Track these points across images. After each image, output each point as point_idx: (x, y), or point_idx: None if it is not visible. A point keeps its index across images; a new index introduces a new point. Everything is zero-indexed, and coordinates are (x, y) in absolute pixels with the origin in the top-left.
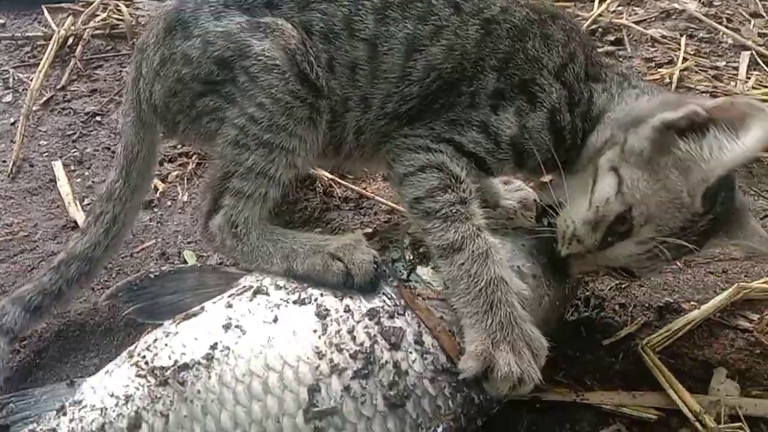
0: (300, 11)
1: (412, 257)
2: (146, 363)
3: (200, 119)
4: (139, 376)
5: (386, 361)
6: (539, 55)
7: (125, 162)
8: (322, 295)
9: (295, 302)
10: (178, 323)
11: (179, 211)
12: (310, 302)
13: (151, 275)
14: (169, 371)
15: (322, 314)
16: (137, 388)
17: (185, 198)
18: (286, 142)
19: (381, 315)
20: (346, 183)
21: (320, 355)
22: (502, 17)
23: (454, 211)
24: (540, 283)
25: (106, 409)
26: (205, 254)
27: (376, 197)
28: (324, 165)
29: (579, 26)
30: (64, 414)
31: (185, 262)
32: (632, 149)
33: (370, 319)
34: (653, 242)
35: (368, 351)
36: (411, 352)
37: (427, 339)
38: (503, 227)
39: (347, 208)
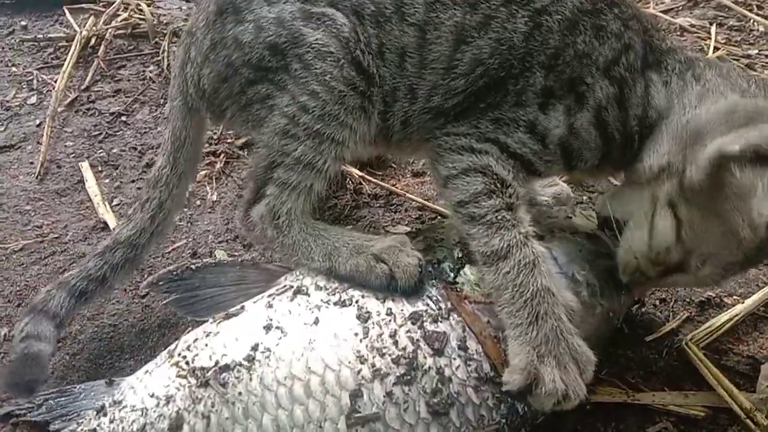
0: None
1: (460, 255)
2: (187, 363)
3: (250, 106)
4: (179, 376)
5: (429, 367)
6: (589, 50)
7: (172, 147)
8: (363, 297)
9: (335, 304)
10: (219, 323)
11: (209, 210)
12: (351, 304)
13: (192, 266)
14: (210, 372)
15: (364, 317)
16: (178, 389)
17: (214, 197)
18: (337, 133)
19: (424, 319)
20: (375, 180)
21: (362, 359)
22: (552, 8)
23: (499, 217)
24: (594, 292)
25: (147, 409)
26: (236, 254)
27: (407, 194)
28: (372, 153)
29: (639, 11)
30: (105, 414)
31: None
32: (690, 184)
33: (413, 323)
34: (714, 274)
35: (411, 356)
36: (455, 359)
37: (472, 344)
38: (560, 229)
39: (377, 205)
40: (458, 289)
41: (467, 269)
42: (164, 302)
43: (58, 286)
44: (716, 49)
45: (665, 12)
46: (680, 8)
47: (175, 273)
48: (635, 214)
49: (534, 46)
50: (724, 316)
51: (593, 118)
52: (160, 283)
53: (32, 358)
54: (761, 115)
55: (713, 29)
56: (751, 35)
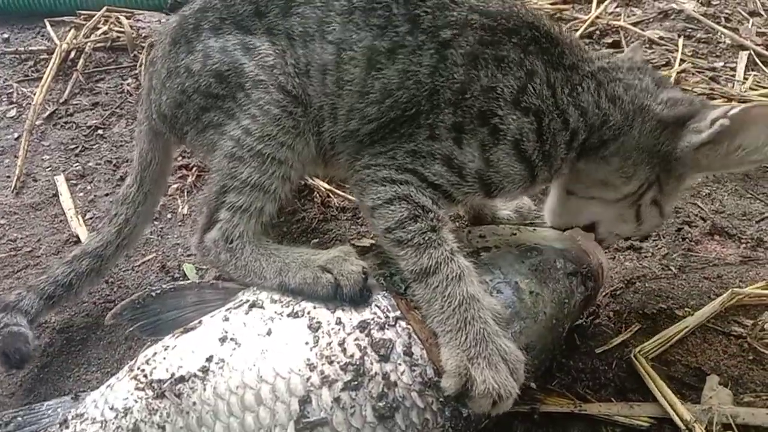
0: (284, 18)
1: None
2: (145, 376)
3: (204, 131)
4: (138, 389)
5: (376, 373)
6: (494, 83)
7: (139, 168)
8: (315, 308)
9: (288, 315)
10: (177, 337)
11: (179, 224)
12: (303, 315)
13: (153, 294)
14: (166, 384)
15: (314, 327)
16: (136, 401)
17: (185, 211)
18: (278, 153)
19: (371, 327)
20: (343, 193)
21: (311, 367)
22: (455, 42)
23: (426, 238)
24: (536, 300)
25: (107, 421)
26: (204, 267)
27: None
28: (319, 173)
29: (540, 30)
30: (67, 427)
31: (185, 275)
32: (666, 183)
33: (360, 331)
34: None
35: (358, 363)
36: (400, 364)
37: (417, 350)
38: (506, 244)
39: (344, 218)
40: (408, 299)
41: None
42: (129, 330)
43: (28, 288)
44: (682, 61)
45: (635, 24)
46: (651, 20)
47: (136, 302)
48: (605, 220)
49: (440, 82)
50: (674, 328)
51: (512, 150)
52: (124, 312)
53: (17, 335)
54: (689, 110)
55: (681, 41)
56: (717, 48)
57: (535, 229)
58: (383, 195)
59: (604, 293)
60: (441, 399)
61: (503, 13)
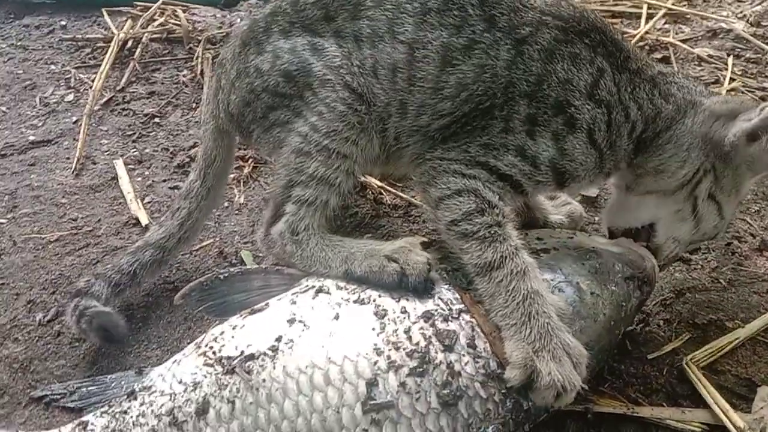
0: (352, 21)
1: None
2: (214, 353)
3: (271, 129)
4: (207, 365)
5: (440, 362)
6: (570, 76)
7: (204, 164)
8: (380, 296)
9: (355, 301)
10: (245, 317)
11: (236, 212)
12: (369, 302)
13: (221, 276)
14: (236, 360)
15: (380, 314)
16: (205, 376)
17: (241, 200)
18: (343, 147)
19: (436, 317)
20: (395, 191)
21: (378, 351)
22: (532, 39)
23: (492, 232)
24: (596, 301)
25: (175, 394)
26: (261, 254)
27: (425, 205)
28: (378, 171)
29: (606, 35)
30: (135, 398)
31: (242, 261)
32: (723, 175)
33: (425, 321)
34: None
35: (423, 351)
36: (464, 355)
37: (480, 343)
38: (564, 246)
39: (396, 215)
40: (472, 294)
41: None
42: (197, 310)
43: (96, 276)
44: (732, 80)
45: (684, 41)
46: (699, 38)
47: (205, 284)
48: (663, 217)
49: (517, 75)
50: (724, 339)
51: (586, 138)
52: (192, 293)
53: (107, 313)
54: (741, 106)
55: (730, 60)
56: (767, 68)
57: (591, 235)
58: (453, 186)
59: (654, 302)
60: (503, 391)
61: (574, 17)
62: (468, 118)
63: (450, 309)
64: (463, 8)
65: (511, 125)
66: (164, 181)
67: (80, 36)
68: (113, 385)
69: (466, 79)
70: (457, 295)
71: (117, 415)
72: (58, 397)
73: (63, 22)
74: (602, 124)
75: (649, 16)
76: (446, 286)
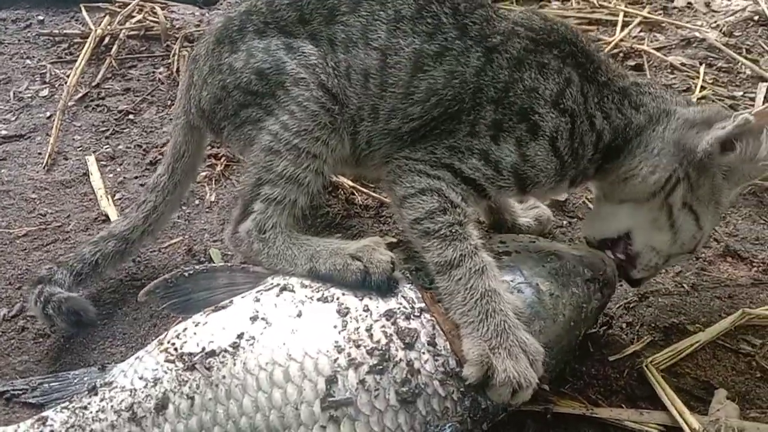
0: (326, 25)
1: None
2: (175, 349)
3: (242, 127)
4: (168, 361)
5: (400, 359)
6: (536, 84)
7: (172, 159)
8: (343, 294)
9: (318, 299)
10: (208, 314)
11: (206, 210)
12: (332, 300)
13: (186, 274)
14: (197, 357)
15: (343, 312)
16: (166, 372)
17: (212, 198)
18: (313, 147)
19: (397, 316)
20: (366, 191)
21: (339, 349)
22: (502, 48)
23: (453, 231)
24: (556, 302)
25: (136, 390)
26: (230, 253)
27: (391, 203)
28: (348, 172)
29: (577, 46)
30: (95, 394)
31: (211, 259)
32: (698, 184)
33: (387, 319)
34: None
35: (384, 349)
36: (424, 353)
37: (440, 342)
38: (526, 249)
39: (367, 215)
40: (432, 293)
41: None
42: (161, 307)
43: (58, 264)
44: (703, 88)
45: (658, 49)
46: (673, 46)
47: (169, 281)
48: (639, 226)
49: (485, 82)
50: (685, 342)
51: (548, 146)
52: (157, 290)
53: (74, 298)
54: (717, 115)
55: (702, 69)
56: (738, 77)
57: (552, 240)
58: (417, 185)
59: (618, 305)
60: (461, 389)
61: (545, 29)
62: (437, 121)
63: (412, 307)
64: (437, 16)
65: (476, 129)
66: (136, 178)
67: (57, 31)
68: (75, 381)
69: (436, 85)
70: (418, 294)
71: (77, 411)
72: (20, 392)
73: (40, 17)
74: (565, 132)
75: (625, 24)
76: (409, 285)
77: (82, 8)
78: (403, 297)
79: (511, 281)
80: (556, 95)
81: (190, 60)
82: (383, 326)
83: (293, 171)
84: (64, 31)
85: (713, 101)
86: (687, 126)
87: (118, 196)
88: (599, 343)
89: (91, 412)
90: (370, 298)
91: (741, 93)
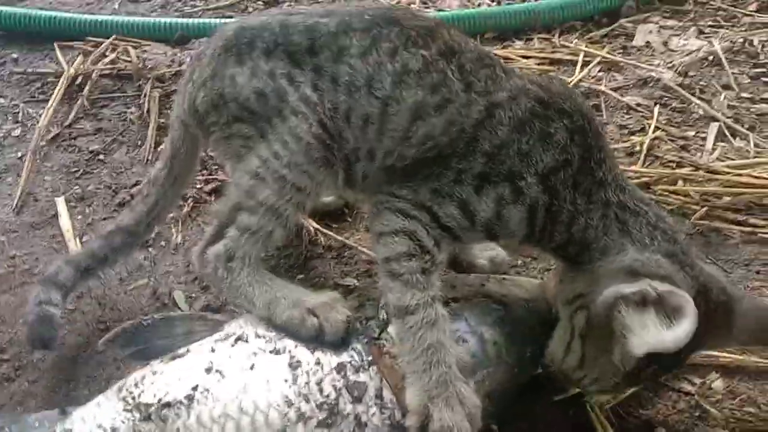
0: (333, 62)
1: (386, 316)
2: (133, 398)
3: (231, 139)
4: (125, 410)
5: (348, 413)
6: (531, 152)
7: (171, 153)
8: (296, 347)
9: (271, 351)
10: (165, 363)
11: (172, 252)
12: (284, 352)
13: (144, 323)
14: (153, 408)
15: (294, 365)
16: (123, 422)
17: (179, 239)
18: (300, 181)
19: (348, 369)
20: (330, 233)
21: (289, 403)
22: (507, 105)
23: (414, 279)
24: (500, 351)
25: None
26: (192, 296)
27: (359, 247)
28: (344, 197)
29: (591, 124)
30: None
31: (175, 302)
32: (594, 321)
33: (337, 373)
34: (599, 391)
35: (333, 402)
36: (371, 406)
37: (387, 394)
38: (475, 295)
39: (330, 256)
40: (380, 345)
41: (391, 328)
42: (121, 357)
43: (66, 262)
44: (657, 128)
45: (615, 89)
46: (630, 87)
47: (128, 329)
48: (560, 325)
49: (482, 134)
50: None
51: (526, 214)
52: (116, 339)
53: (46, 319)
54: (646, 270)
55: (656, 109)
56: (690, 117)
57: (504, 278)
58: (393, 225)
59: None
60: None
61: (562, 93)
62: (429, 161)
63: (362, 360)
64: (443, 72)
65: (462, 177)
66: (104, 219)
67: (31, 70)
68: (36, 425)
69: (434, 131)
70: (366, 347)
71: None
72: None
73: (14, 55)
74: (543, 209)
75: (585, 64)
76: (360, 337)
77: (56, 47)
78: (353, 349)
79: (456, 330)
80: (548, 171)
81: (194, 57)
82: (333, 380)
83: (275, 201)
84: (38, 70)
85: (666, 141)
86: (620, 274)
87: (85, 237)
88: (549, 382)
89: None
90: (322, 352)
91: (693, 133)
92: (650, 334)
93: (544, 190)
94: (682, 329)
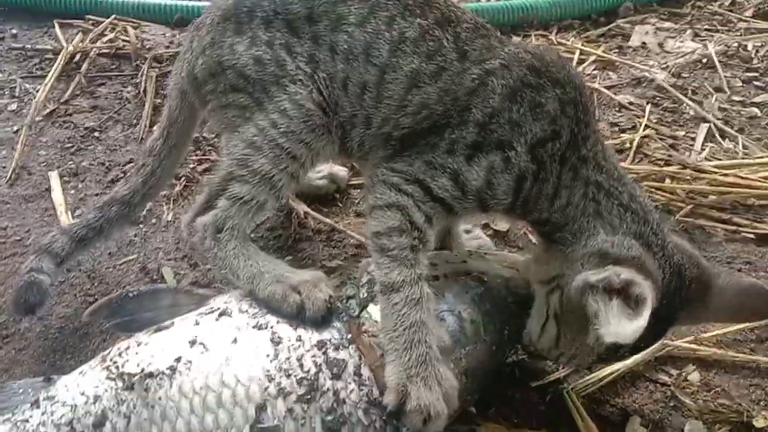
0: (331, 31)
1: (366, 295)
2: (117, 368)
3: (228, 108)
4: (109, 378)
5: (327, 389)
6: (521, 121)
7: (167, 123)
8: (278, 322)
9: (254, 327)
10: (150, 334)
11: (162, 229)
12: (266, 328)
13: (130, 294)
14: (135, 377)
15: (276, 341)
16: (106, 390)
17: (169, 217)
18: (296, 149)
19: (328, 346)
20: (319, 216)
21: (270, 377)
22: (500, 73)
23: (403, 255)
24: (478, 329)
25: (76, 406)
26: (182, 272)
27: (347, 231)
28: (343, 161)
29: (582, 98)
30: (38, 407)
31: (164, 278)
32: (568, 304)
33: (318, 349)
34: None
35: (313, 378)
36: (350, 383)
37: (365, 372)
38: (455, 273)
39: (318, 239)
40: (359, 323)
41: (371, 307)
42: (105, 326)
43: (62, 231)
44: (647, 127)
45: (609, 88)
46: (624, 86)
47: (114, 301)
48: (536, 305)
49: (474, 103)
50: (605, 370)
51: (514, 183)
52: (101, 310)
53: (35, 285)
54: (616, 252)
55: (648, 108)
56: (681, 117)
57: (486, 255)
58: (386, 198)
59: None
60: (383, 417)
61: (555, 63)
62: (425, 131)
63: (342, 338)
64: (438, 40)
65: (455, 147)
66: (96, 195)
67: (30, 46)
68: (20, 392)
69: (429, 100)
70: (346, 325)
71: (18, 423)
72: None
73: (14, 31)
74: (530, 177)
75: (581, 62)
76: (341, 314)
77: (56, 24)
78: (334, 326)
79: (436, 309)
80: (536, 142)
81: (193, 27)
82: (314, 356)
83: (269, 170)
84: (37, 47)
85: (656, 140)
86: (595, 255)
87: (78, 212)
88: (527, 369)
89: (32, 425)
90: (304, 328)
91: (683, 133)
92: (613, 326)
93: (532, 159)
94: (642, 319)
